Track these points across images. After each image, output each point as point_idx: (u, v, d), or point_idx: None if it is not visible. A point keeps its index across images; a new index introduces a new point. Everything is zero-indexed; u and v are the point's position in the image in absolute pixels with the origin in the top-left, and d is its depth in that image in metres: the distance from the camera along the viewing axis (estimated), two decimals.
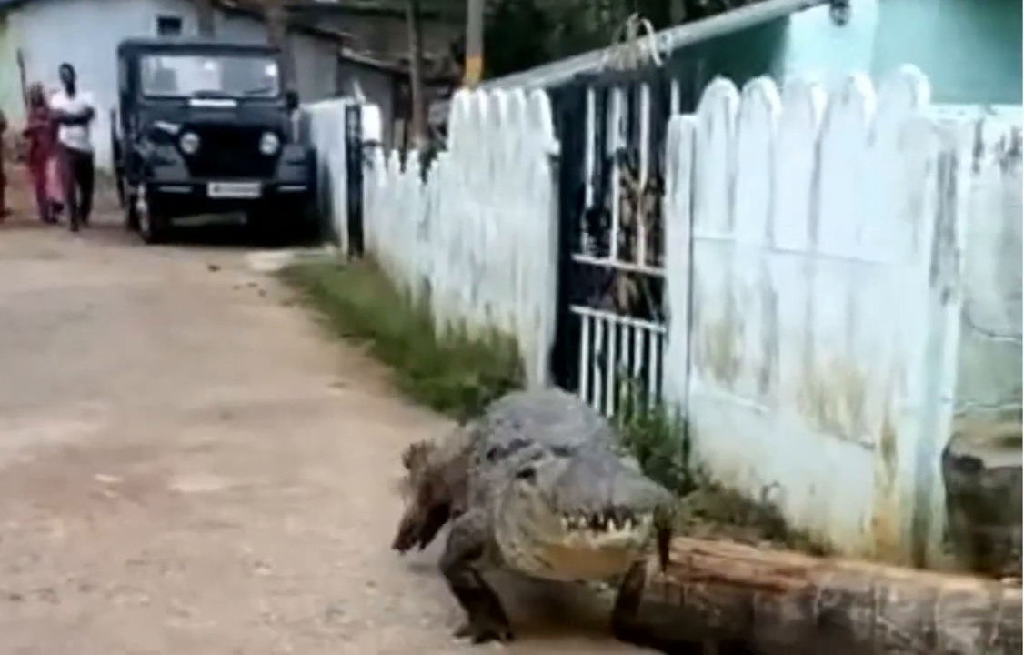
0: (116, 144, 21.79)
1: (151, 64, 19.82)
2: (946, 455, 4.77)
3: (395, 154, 14.19)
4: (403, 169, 13.20)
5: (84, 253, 17.38)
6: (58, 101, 20.82)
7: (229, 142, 18.38)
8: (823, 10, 12.90)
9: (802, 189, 5.74)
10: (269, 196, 18.55)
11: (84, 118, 20.67)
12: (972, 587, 4.28)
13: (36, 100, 21.66)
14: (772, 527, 5.87)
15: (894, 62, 5.29)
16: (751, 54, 7.44)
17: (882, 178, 5.21)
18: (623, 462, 4.46)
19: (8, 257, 16.72)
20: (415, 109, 26.39)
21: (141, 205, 18.94)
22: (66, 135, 20.54)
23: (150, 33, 27.05)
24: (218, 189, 18.32)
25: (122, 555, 5.57)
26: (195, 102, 18.97)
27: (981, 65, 10.12)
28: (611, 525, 4.05)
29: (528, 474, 4.43)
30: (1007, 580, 4.33)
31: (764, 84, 6.09)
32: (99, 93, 20.87)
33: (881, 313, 5.26)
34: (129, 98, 20.09)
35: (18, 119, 22.74)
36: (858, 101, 5.38)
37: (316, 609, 4.99)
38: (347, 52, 37.26)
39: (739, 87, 6.31)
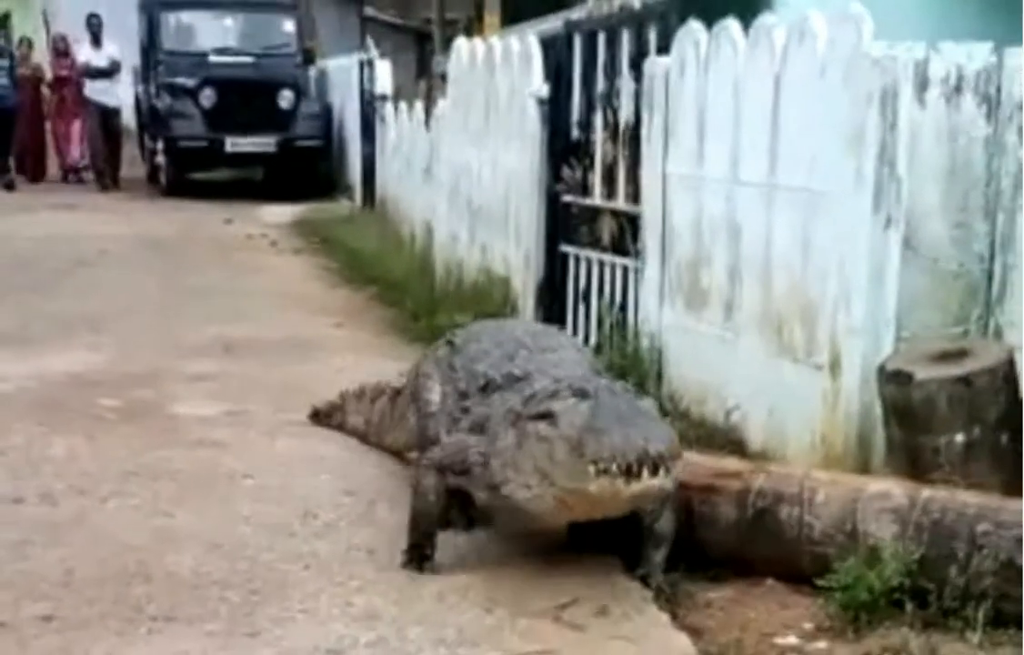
0: (137, 99, 22.12)
1: (170, 20, 20.12)
2: (881, 370, 5.06)
3: (403, 107, 14.47)
4: (411, 121, 13.52)
5: (102, 205, 17.87)
6: (84, 53, 20.40)
7: (246, 97, 18.72)
8: None
9: (763, 124, 6.01)
10: (285, 150, 18.91)
11: (111, 71, 20.30)
12: (892, 487, 4.58)
13: (61, 50, 21.38)
14: (735, 448, 6.15)
15: (877, 26, 5.54)
16: (739, 12, 7.62)
17: (831, 111, 5.48)
18: (642, 404, 4.43)
19: (29, 209, 17.19)
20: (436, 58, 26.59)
21: (160, 159, 19.33)
22: (91, 89, 20.20)
23: None
24: (235, 144, 18.69)
25: (117, 467, 5.93)
26: (213, 58, 19.30)
27: (958, 28, 10.34)
28: (644, 473, 4.04)
29: (547, 416, 4.36)
30: None
31: (731, 25, 6.37)
32: (120, 49, 21.02)
33: (830, 240, 5.55)
34: (149, 53, 20.43)
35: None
36: (812, 38, 5.66)
37: (293, 513, 5.33)
38: (370, 11, 37.44)
39: None
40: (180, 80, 19.04)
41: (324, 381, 7.48)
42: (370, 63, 17.03)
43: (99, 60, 20.18)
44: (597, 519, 4.59)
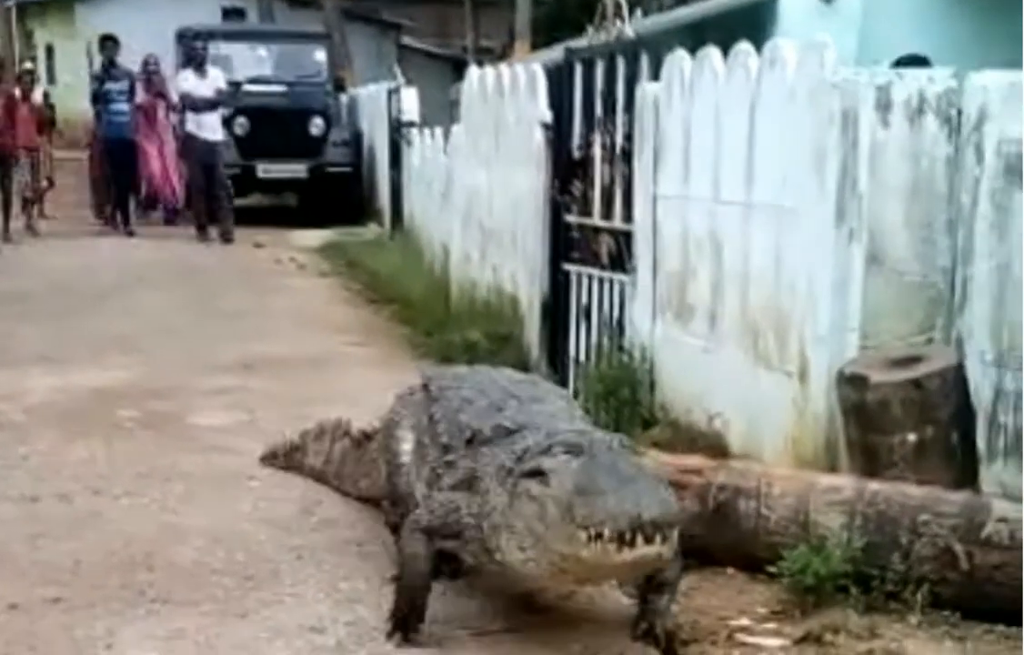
0: (172, 127, 22.58)
1: (210, 50, 20.55)
2: (840, 374, 5.41)
3: (427, 133, 14.88)
4: (432, 146, 13.94)
5: (138, 229, 18.14)
6: (187, 82, 17.80)
7: (278, 124, 19.17)
8: None
9: (740, 145, 6.36)
10: (316, 177, 19.37)
11: (216, 103, 17.75)
12: (842, 482, 4.92)
13: (152, 71, 18.64)
14: (718, 453, 6.47)
15: (879, 40, 5.89)
16: (745, 32, 7.98)
17: (799, 132, 5.83)
18: (639, 462, 4.19)
19: (69, 236, 17.67)
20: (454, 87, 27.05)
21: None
22: (195, 123, 17.58)
23: (215, 20, 27.95)
24: (267, 170, 19.14)
25: (132, 470, 6.37)
26: (247, 86, 19.75)
27: (957, 42, 10.70)
28: (639, 540, 3.74)
29: (537, 474, 4.09)
30: None
31: (712, 53, 6.72)
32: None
33: (799, 254, 5.89)
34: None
35: (82, 112, 22.29)
36: (782, 65, 6.01)
37: (292, 511, 5.75)
38: (407, 39, 37.96)
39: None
40: None
41: (332, 392, 7.87)
42: (397, 91, 17.46)
43: (204, 90, 17.69)
44: (599, 585, 4.47)
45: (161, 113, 18.64)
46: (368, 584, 4.83)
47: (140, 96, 18.45)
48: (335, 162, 19.43)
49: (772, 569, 4.77)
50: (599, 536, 3.75)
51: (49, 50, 36.13)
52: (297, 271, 14.83)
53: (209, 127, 17.54)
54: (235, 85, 19.71)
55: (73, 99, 23.78)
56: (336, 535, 5.43)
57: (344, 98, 21.29)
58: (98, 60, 19.51)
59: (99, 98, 18.42)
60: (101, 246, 16.85)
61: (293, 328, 10.88)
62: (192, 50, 18.26)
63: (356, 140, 19.99)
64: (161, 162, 18.63)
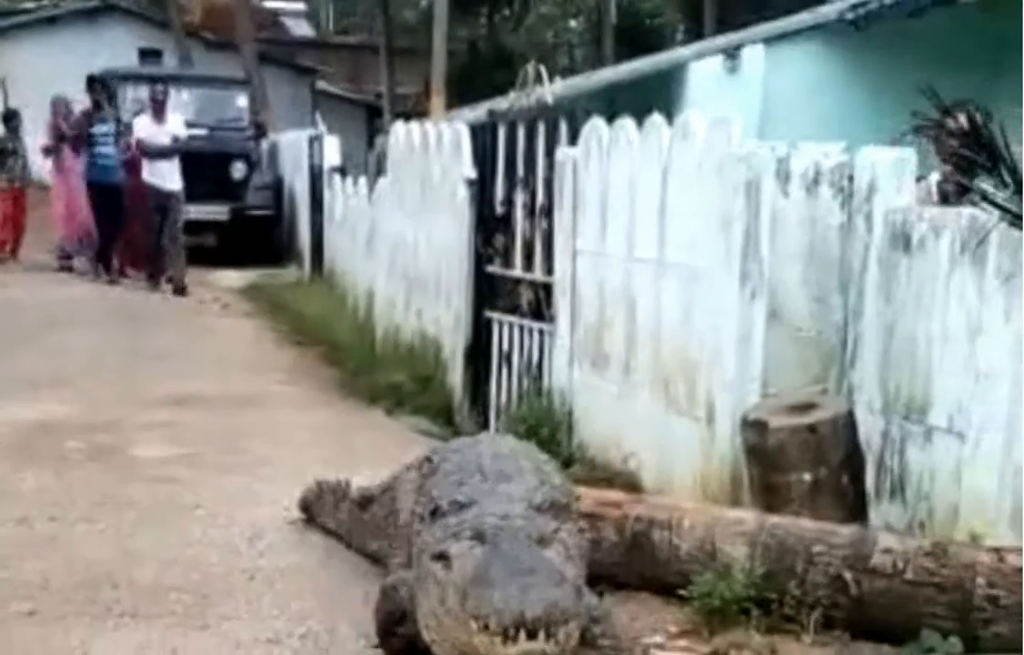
0: None
1: (128, 93, 20.84)
2: (744, 419, 5.98)
3: (350, 180, 15.36)
4: (357, 194, 14.43)
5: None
6: (142, 128, 16.99)
7: (200, 168, 19.45)
8: (717, 59, 14.23)
9: (653, 208, 6.94)
10: (238, 219, 19.74)
11: (173, 151, 16.92)
12: (745, 516, 5.47)
13: (63, 114, 18.34)
14: (632, 490, 7.01)
15: (780, 105, 6.47)
16: (656, 97, 8.58)
17: (707, 199, 6.41)
18: (545, 555, 4.17)
19: None
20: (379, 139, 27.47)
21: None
22: (149, 171, 16.78)
23: (132, 62, 28.16)
24: (188, 212, 19.42)
25: (84, 498, 6.77)
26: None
27: (850, 106, 11.47)
28: (522, 637, 3.74)
29: (443, 558, 4.19)
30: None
31: (627, 123, 7.30)
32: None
33: (707, 309, 6.46)
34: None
35: None
36: (692, 137, 6.60)
37: (240, 537, 6.19)
38: (322, 84, 38.32)
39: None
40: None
41: (266, 430, 8.31)
42: (319, 138, 17.92)
43: (161, 137, 16.89)
44: None
45: (66, 154, 18.09)
46: (318, 601, 5.30)
47: (42, 138, 18.29)
48: (256, 205, 19.82)
49: (683, 593, 5.24)
50: (487, 627, 3.79)
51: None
52: (221, 311, 15.21)
53: (163, 175, 16.75)
54: None
55: None
56: (282, 558, 5.89)
57: (265, 143, 21.69)
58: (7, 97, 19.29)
59: (84, 141, 17.59)
60: (21, 284, 16.97)
61: (221, 367, 11.27)
62: (153, 93, 17.44)
63: (277, 185, 20.41)
64: (66, 204, 18.12)
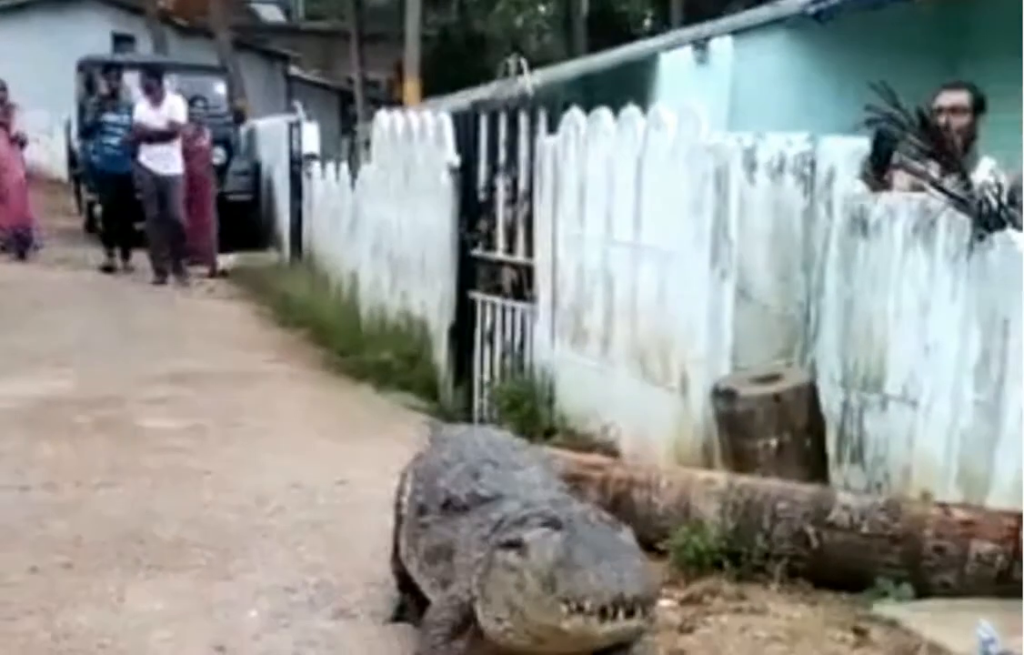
0: (71, 152, 23.16)
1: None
2: (715, 390, 6.49)
3: (331, 167, 15.79)
4: (338, 180, 14.88)
5: (46, 255, 18.64)
6: (140, 112, 16.71)
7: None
8: (687, 50, 14.77)
9: (629, 194, 7.44)
10: (217, 204, 20.07)
11: (170, 134, 16.57)
12: (716, 476, 5.99)
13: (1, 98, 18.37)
14: (611, 457, 7.52)
15: (747, 95, 6.91)
16: (629, 86, 9.05)
17: (679, 185, 6.91)
18: (620, 536, 4.11)
19: None
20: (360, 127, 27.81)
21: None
22: (145, 154, 16.47)
23: (105, 49, 28.43)
24: None
25: (101, 465, 7.27)
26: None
27: (815, 95, 12.02)
28: (620, 614, 3.76)
29: (515, 545, 4.08)
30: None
31: (604, 114, 7.80)
32: (53, 105, 21.21)
33: (680, 289, 6.97)
34: (86, 111, 21.46)
35: None
36: (664, 128, 7.10)
37: (249, 500, 6.68)
38: (295, 70, 38.61)
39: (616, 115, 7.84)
40: None
41: (263, 404, 8.82)
42: (298, 125, 18.29)
43: (157, 121, 16.53)
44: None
45: (2, 142, 18.10)
46: (327, 555, 5.80)
47: None
48: (236, 190, 20.13)
49: (661, 546, 5.69)
50: (580, 609, 3.77)
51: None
52: (207, 293, 15.65)
53: (159, 159, 16.38)
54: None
55: None
56: (290, 518, 6.39)
57: (243, 129, 22.07)
58: None
59: (94, 130, 17.76)
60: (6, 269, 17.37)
61: (212, 347, 11.72)
62: (148, 76, 17.18)
63: (256, 170, 20.77)
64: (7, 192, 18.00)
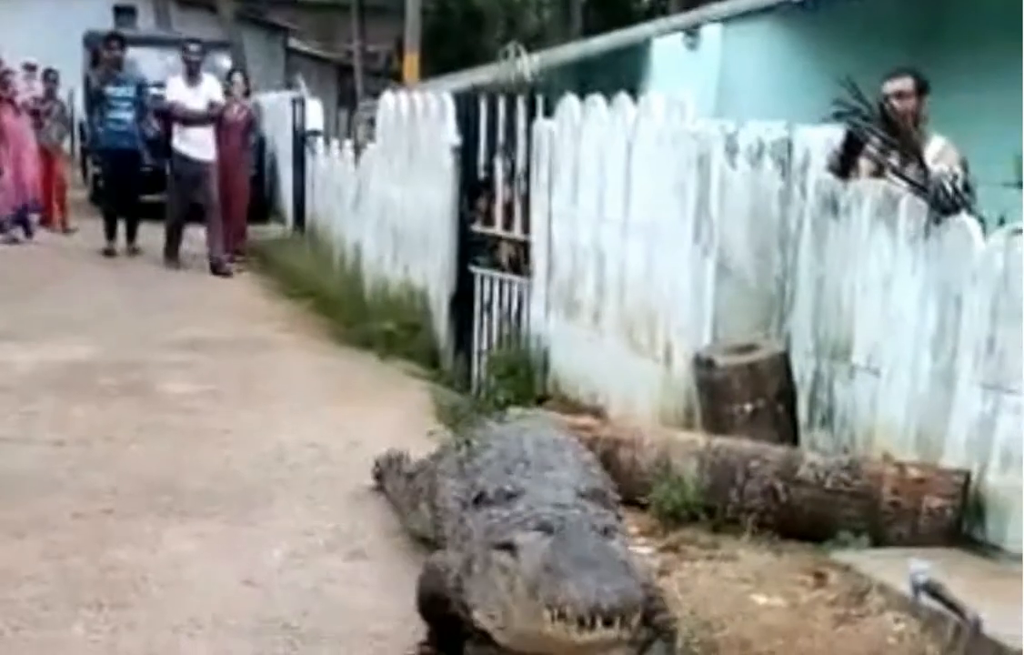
0: (81, 127, 23.58)
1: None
2: (696, 358, 7.06)
3: (335, 143, 16.25)
4: (342, 157, 15.38)
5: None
6: (175, 90, 15.72)
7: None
8: (678, 37, 15.30)
9: (620, 175, 8.01)
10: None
11: (209, 117, 15.60)
12: (695, 436, 6.56)
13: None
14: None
15: (736, 81, 7.38)
16: (623, 70, 9.51)
17: (665, 168, 7.47)
18: (610, 546, 4.21)
19: None
20: (359, 101, 28.10)
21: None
22: (180, 138, 15.48)
23: (106, 21, 28.69)
24: None
25: (129, 424, 7.88)
26: (155, 90, 20.80)
27: (799, 81, 12.45)
28: (598, 625, 3.81)
29: (508, 548, 4.20)
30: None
31: (598, 100, 8.35)
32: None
33: (665, 264, 7.54)
34: (92, 85, 21.83)
35: None
36: (652, 115, 7.66)
37: (268, 456, 7.28)
38: (294, 43, 38.77)
39: (609, 100, 8.38)
40: None
41: (275, 370, 9.43)
42: (302, 101, 18.76)
43: (195, 102, 15.59)
44: None
45: (9, 116, 17.78)
46: (341, 506, 6.41)
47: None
48: None
49: (643, 500, 6.27)
50: (561, 616, 3.83)
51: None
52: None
53: (196, 143, 15.42)
54: (141, 88, 20.71)
55: None
56: (308, 471, 7.01)
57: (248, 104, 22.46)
58: None
59: (97, 103, 16.98)
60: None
61: (222, 317, 12.26)
62: (186, 54, 16.16)
63: (260, 145, 21.18)
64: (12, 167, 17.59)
